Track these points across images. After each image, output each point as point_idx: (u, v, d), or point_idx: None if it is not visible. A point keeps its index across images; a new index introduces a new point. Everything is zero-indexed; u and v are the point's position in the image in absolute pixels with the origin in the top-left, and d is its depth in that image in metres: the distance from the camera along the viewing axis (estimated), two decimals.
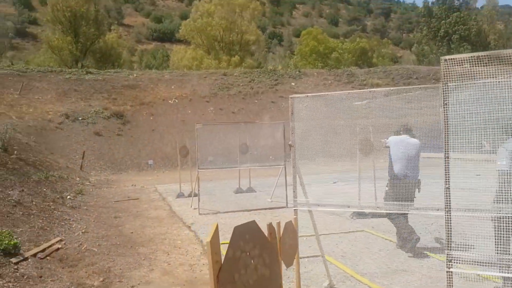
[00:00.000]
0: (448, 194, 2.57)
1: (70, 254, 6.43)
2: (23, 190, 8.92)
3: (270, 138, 11.67)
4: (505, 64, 2.45)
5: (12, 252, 5.61)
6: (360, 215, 8.38)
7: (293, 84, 28.02)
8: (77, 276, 5.57)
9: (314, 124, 4.67)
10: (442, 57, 2.56)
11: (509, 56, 2.44)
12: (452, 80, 2.47)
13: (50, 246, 6.52)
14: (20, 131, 17.09)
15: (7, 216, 7.03)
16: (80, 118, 21.58)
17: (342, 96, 4.56)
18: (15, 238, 5.95)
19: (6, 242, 5.57)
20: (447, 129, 2.50)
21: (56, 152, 17.88)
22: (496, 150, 3.67)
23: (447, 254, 2.58)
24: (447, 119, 2.51)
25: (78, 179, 14.45)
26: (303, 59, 43.03)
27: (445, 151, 2.53)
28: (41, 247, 6.30)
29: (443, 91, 2.54)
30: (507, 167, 3.72)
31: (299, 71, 30.70)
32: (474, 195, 3.31)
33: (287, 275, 4.89)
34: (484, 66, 2.52)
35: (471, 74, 2.48)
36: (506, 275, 2.75)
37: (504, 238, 2.90)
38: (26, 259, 5.68)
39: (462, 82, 2.55)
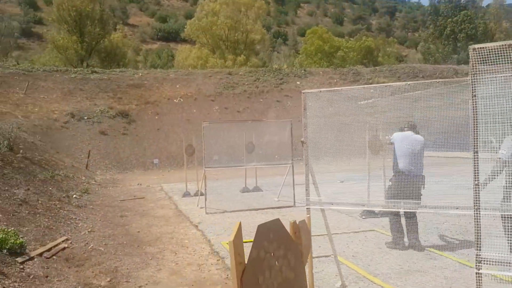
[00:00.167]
0: (477, 192, 2.44)
1: (76, 253, 6.35)
2: (29, 189, 8.86)
3: (277, 136, 11.54)
4: None
5: (18, 251, 5.54)
6: (370, 214, 8.25)
7: (298, 83, 27.86)
8: (83, 276, 5.48)
9: (326, 121, 4.55)
10: (471, 46, 2.44)
11: None
12: (480, 72, 2.34)
13: (56, 245, 6.44)
14: (25, 130, 17.08)
15: (13, 215, 6.96)
16: (85, 117, 21.56)
17: (354, 91, 4.44)
18: (21, 237, 5.87)
19: (12, 241, 5.49)
20: (476, 123, 2.37)
21: (61, 151, 17.85)
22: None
23: (477, 255, 2.44)
24: (476, 112, 2.38)
25: (83, 178, 14.40)
26: (308, 58, 42.85)
27: (474, 146, 2.40)
28: (47, 247, 6.23)
29: (472, 82, 2.41)
30: (506, 156, 3.97)
31: (305, 70, 30.54)
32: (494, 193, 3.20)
33: None
34: None
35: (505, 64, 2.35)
36: None
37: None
38: (32, 258, 5.60)
39: (492, 73, 2.42)
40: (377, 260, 5.66)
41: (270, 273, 1.60)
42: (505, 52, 2.34)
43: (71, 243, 6.80)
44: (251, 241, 1.73)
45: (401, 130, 6.18)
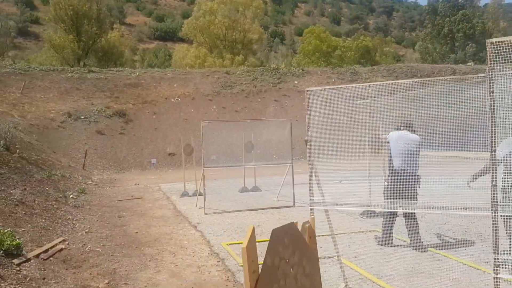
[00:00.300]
0: (494, 192, 2.34)
1: (73, 255, 6.23)
2: (25, 189, 8.74)
3: (276, 136, 11.45)
4: None
5: (15, 253, 5.42)
6: (371, 214, 8.17)
7: (296, 82, 27.79)
8: (81, 278, 5.37)
9: (329, 120, 4.46)
10: (488, 40, 2.35)
11: None
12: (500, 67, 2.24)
13: (53, 246, 6.33)
14: (22, 130, 16.94)
15: (9, 216, 6.84)
16: (82, 117, 21.41)
17: (358, 89, 4.34)
18: (18, 238, 5.75)
19: (8, 242, 5.37)
20: (494, 120, 2.28)
21: (58, 151, 17.71)
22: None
23: (495, 259, 2.35)
24: (493, 109, 2.29)
25: (80, 178, 14.27)
26: (306, 58, 42.80)
27: (492, 145, 2.30)
28: (44, 248, 6.11)
29: (489, 77, 2.32)
30: (500, 156, 3.88)
31: (302, 70, 30.47)
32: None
33: None
34: None
35: None
36: None
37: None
38: (28, 260, 5.49)
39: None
40: (380, 261, 5.57)
41: (285, 281, 1.49)
42: None
43: (68, 244, 6.69)
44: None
45: (398, 129, 6.10)
